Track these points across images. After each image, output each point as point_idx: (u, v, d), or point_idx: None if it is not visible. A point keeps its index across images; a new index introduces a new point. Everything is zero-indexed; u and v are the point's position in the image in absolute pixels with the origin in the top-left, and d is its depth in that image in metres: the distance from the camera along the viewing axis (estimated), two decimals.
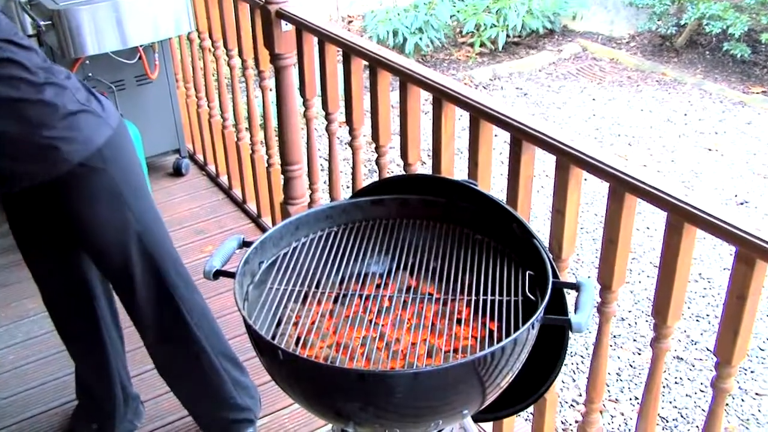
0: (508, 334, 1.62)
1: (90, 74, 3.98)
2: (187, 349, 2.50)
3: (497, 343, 1.57)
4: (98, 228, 2.24)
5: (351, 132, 3.07)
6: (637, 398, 3.77)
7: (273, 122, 3.81)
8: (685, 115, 7.06)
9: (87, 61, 3.92)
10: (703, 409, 3.72)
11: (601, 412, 2.45)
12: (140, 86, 4.24)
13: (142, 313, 2.42)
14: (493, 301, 1.78)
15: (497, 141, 5.32)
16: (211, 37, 4.05)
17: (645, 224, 5.19)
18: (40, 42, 3.83)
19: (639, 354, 4.09)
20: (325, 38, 3.00)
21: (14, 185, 2.15)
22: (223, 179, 4.45)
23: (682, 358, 4.07)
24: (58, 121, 2.05)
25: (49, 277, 2.48)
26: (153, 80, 4.23)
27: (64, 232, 2.33)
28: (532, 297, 1.74)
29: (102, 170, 2.15)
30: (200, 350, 2.50)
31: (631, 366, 4.01)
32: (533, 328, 1.64)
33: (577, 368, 3.99)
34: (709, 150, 6.41)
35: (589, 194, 5.50)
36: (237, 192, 4.31)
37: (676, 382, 3.92)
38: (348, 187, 5.19)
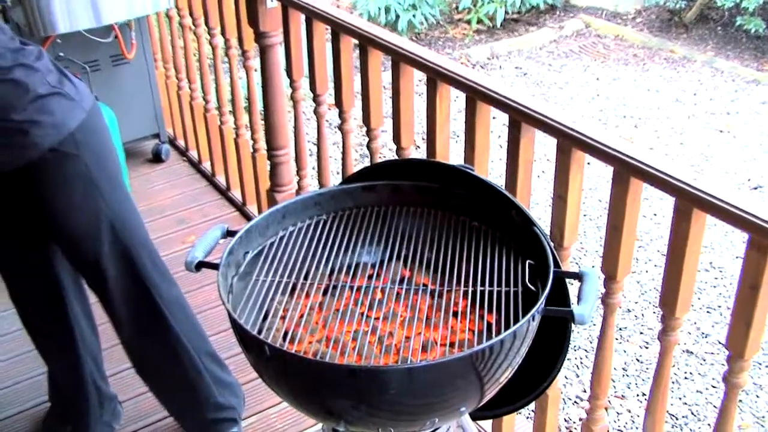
0: (507, 327, 1.63)
1: (61, 54, 3.96)
2: (164, 344, 2.50)
3: (496, 336, 1.58)
4: (70, 217, 2.24)
5: (341, 115, 3.08)
6: (644, 394, 3.79)
7: (258, 105, 3.81)
8: (695, 94, 7.07)
9: (58, 40, 3.90)
10: (714, 406, 3.74)
11: (606, 409, 2.47)
12: (116, 67, 4.22)
13: (117, 307, 2.42)
14: (491, 292, 1.78)
15: (495, 123, 5.32)
16: (191, 14, 4.05)
17: (652, 210, 5.21)
18: (6, 19, 3.79)
19: (646, 348, 4.10)
20: (312, 15, 3.00)
21: None
22: (206, 165, 4.45)
23: (692, 352, 4.09)
24: (27, 103, 2.05)
25: (17, 271, 2.47)
26: (130, 60, 4.22)
27: (33, 224, 2.32)
28: (533, 288, 1.74)
29: (74, 156, 2.14)
30: (179, 346, 2.51)
31: (638, 360, 4.03)
32: (534, 320, 1.65)
33: (581, 363, 4.00)
34: (721, 132, 6.42)
35: (593, 179, 5.51)
36: (220, 179, 4.31)
37: (686, 378, 3.93)
38: (338, 173, 5.19)
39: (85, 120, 2.16)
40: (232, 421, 2.68)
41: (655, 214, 5.19)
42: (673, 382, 3.86)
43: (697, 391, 3.85)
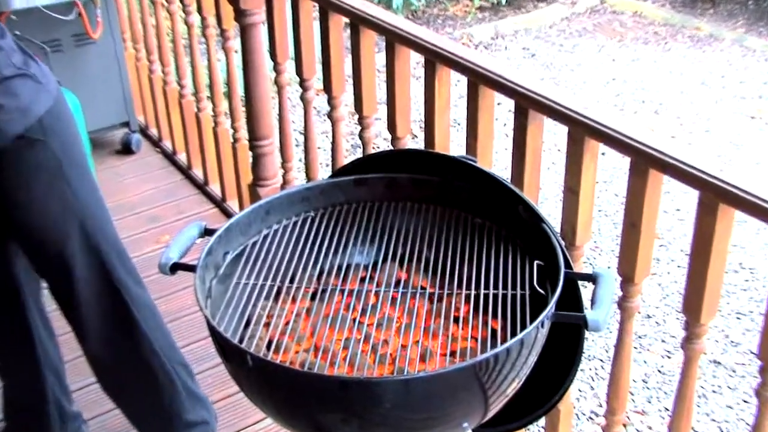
0: (513, 334, 1.64)
1: (17, 33, 3.93)
2: (136, 354, 2.50)
3: (501, 344, 1.59)
4: (34, 210, 2.23)
5: (330, 101, 3.08)
6: (667, 409, 3.79)
7: (239, 90, 3.82)
8: (723, 77, 7.07)
9: (13, 17, 3.86)
10: (747, 423, 3.74)
11: (624, 426, 2.48)
12: (80, 47, 4.22)
13: (83, 312, 2.40)
14: (495, 296, 1.79)
15: (500, 110, 5.32)
16: None
17: (674, 205, 5.21)
18: None
19: (669, 357, 4.11)
20: None
21: None
22: (181, 157, 4.45)
23: (720, 363, 4.10)
24: None
25: None
26: (95, 40, 4.21)
27: None
28: (542, 291, 1.75)
29: (41, 143, 2.14)
30: (151, 355, 2.50)
31: (660, 372, 4.04)
32: (543, 326, 1.66)
33: (596, 374, 4.01)
34: (752, 118, 6.43)
35: (608, 171, 5.52)
36: (198, 172, 4.32)
37: (714, 391, 3.94)
38: (327, 166, 5.19)
39: (52, 105, 2.16)
40: None
41: (677, 210, 5.19)
42: (699, 396, 3.87)
43: (727, 407, 3.85)
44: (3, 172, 2.16)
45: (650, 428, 3.73)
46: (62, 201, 2.24)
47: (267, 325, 1.84)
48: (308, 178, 3.45)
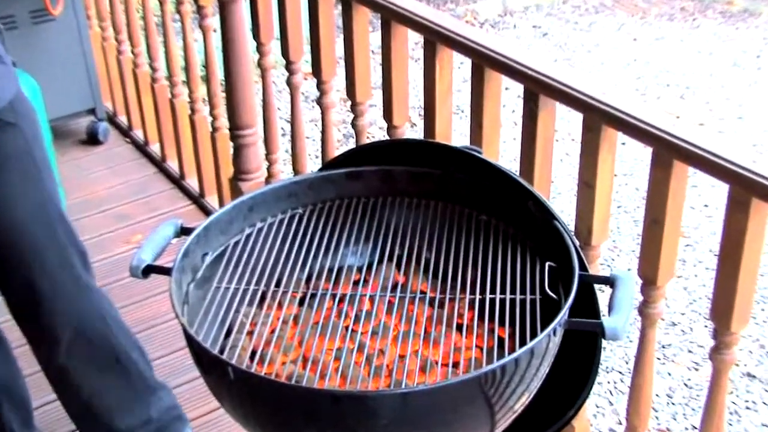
0: (522, 343, 1.64)
1: None
2: (113, 358, 2.49)
3: (509, 354, 1.60)
4: (5, 206, 2.24)
5: (320, 86, 3.09)
6: (695, 427, 3.80)
7: (218, 74, 3.82)
8: (758, 57, 7.07)
9: None
10: None
11: None
12: (38, 25, 4.20)
13: (51, 320, 2.40)
14: (503, 301, 1.80)
15: (508, 95, 5.34)
16: None
17: (702, 201, 5.21)
18: None
19: (696, 369, 4.12)
20: None
21: None
22: (154, 148, 4.45)
23: (754, 376, 4.10)
24: None
25: None
26: (55, 17, 4.19)
27: None
28: (554, 295, 1.76)
29: (14, 127, 2.14)
30: (124, 357, 2.50)
31: (686, 385, 4.04)
32: (555, 334, 1.67)
33: (615, 388, 4.02)
34: None
35: (628, 162, 5.52)
36: (173, 164, 4.32)
37: (747, 407, 3.94)
38: (316, 158, 5.20)
39: (19, 89, 2.17)
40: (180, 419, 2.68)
41: (705, 205, 5.20)
42: (731, 413, 3.87)
43: (762, 425, 3.86)
44: None
45: None
46: (35, 193, 2.24)
47: (250, 333, 1.85)
48: (295, 171, 3.46)
